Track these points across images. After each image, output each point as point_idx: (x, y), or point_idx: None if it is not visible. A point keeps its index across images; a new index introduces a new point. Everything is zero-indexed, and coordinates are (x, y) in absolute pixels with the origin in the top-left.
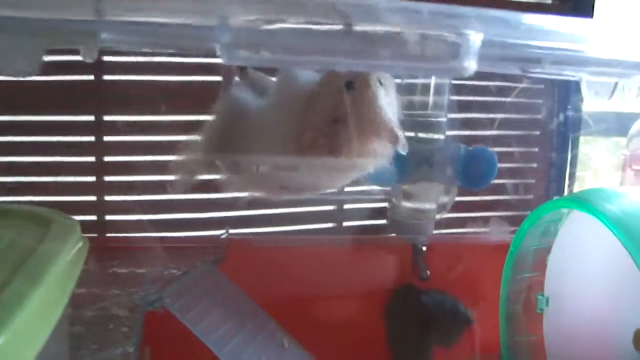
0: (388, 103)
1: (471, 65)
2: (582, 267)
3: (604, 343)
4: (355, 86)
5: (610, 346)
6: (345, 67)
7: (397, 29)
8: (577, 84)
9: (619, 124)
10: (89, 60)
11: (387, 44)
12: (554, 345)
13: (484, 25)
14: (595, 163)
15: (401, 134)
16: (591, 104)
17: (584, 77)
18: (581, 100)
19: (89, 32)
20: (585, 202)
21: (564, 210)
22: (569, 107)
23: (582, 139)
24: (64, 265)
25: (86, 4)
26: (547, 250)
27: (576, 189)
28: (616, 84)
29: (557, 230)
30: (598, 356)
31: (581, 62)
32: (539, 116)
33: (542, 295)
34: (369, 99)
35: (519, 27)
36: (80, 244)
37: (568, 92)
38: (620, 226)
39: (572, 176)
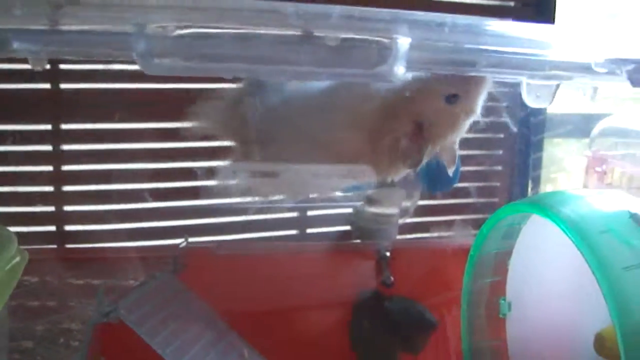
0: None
1: (399, 70)
2: (543, 271)
3: (566, 347)
4: (458, 101)
5: (572, 350)
6: (266, 74)
7: (320, 34)
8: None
9: (585, 125)
10: (38, 69)
11: (309, 50)
12: (517, 349)
13: (412, 29)
14: (568, 164)
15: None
16: (555, 106)
17: (524, 81)
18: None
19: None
20: (542, 205)
21: (525, 214)
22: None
23: (554, 140)
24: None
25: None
26: (509, 253)
27: (548, 190)
28: (557, 87)
29: (518, 233)
30: (560, 359)
31: (519, 65)
32: (503, 119)
33: (504, 299)
34: (463, 117)
35: (451, 29)
36: (18, 257)
37: None
38: (575, 229)
39: (536, 179)
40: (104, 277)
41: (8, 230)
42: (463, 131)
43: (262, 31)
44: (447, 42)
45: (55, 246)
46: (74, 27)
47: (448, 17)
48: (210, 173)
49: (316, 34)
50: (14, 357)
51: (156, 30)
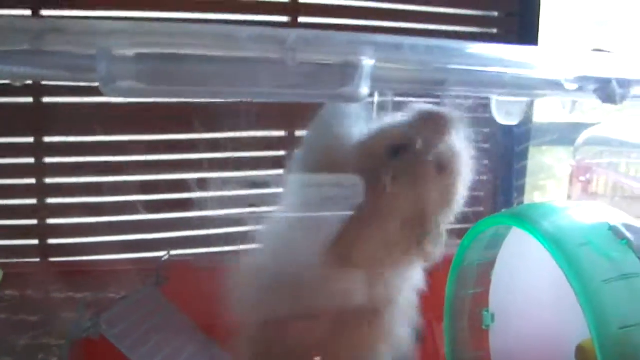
0: None
1: (364, 90)
2: (525, 282)
3: (549, 358)
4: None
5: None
6: (228, 95)
7: (283, 56)
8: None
9: (573, 134)
10: (18, 84)
11: (273, 71)
12: None
13: (377, 51)
14: (557, 172)
15: None
16: (543, 115)
17: (494, 98)
18: (530, 111)
19: None
20: (522, 218)
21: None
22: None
23: (542, 148)
24: None
25: None
26: (491, 264)
27: (537, 197)
28: (527, 104)
29: (500, 244)
30: None
31: (488, 83)
32: (489, 129)
33: (487, 310)
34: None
35: (416, 50)
36: None
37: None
38: (554, 242)
39: (520, 188)
40: (86, 290)
41: None
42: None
43: (223, 54)
44: (413, 63)
45: (38, 259)
46: (40, 50)
47: (413, 39)
48: (194, 185)
49: (279, 56)
50: None
51: (117, 54)
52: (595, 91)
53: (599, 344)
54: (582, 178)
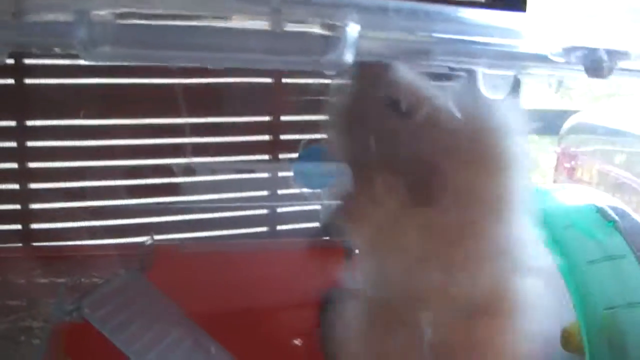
0: None
1: (348, 58)
2: None
3: (535, 342)
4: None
5: (540, 345)
6: (211, 62)
7: (265, 23)
8: (515, 83)
9: (559, 122)
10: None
11: (256, 37)
12: None
13: (362, 16)
14: (543, 162)
15: None
16: (528, 102)
17: (479, 70)
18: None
19: None
20: None
21: None
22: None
23: (529, 137)
24: None
25: None
26: None
27: None
28: (515, 77)
29: None
30: (529, 356)
31: (474, 54)
32: None
33: None
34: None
35: (402, 15)
36: None
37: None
38: (540, 225)
39: None
40: (70, 275)
41: None
42: None
43: (207, 18)
44: (400, 30)
45: (20, 244)
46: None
47: (398, 3)
48: (178, 171)
49: (263, 21)
50: None
51: (97, 17)
52: (584, 62)
53: (584, 324)
54: (566, 165)
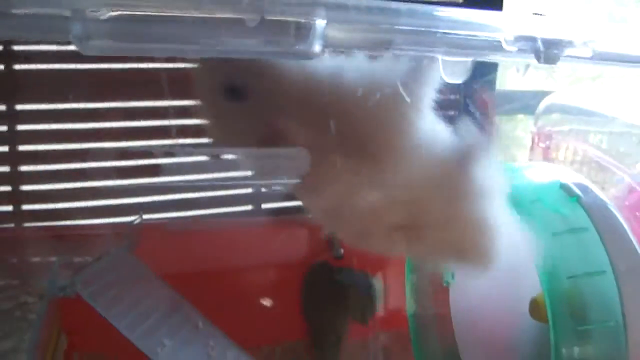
0: None
1: (316, 48)
2: None
3: (505, 313)
4: None
5: (510, 315)
6: (193, 53)
7: (239, 15)
8: (491, 65)
9: (539, 102)
10: None
11: (234, 30)
12: (460, 316)
13: (330, 11)
14: (527, 141)
15: None
16: (508, 83)
17: (440, 57)
18: (494, 79)
19: None
20: None
21: None
22: (476, 87)
23: (518, 117)
24: None
25: None
26: None
27: None
28: (471, 63)
29: None
30: (500, 325)
31: (432, 43)
32: (457, 96)
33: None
34: None
35: (366, 11)
36: None
37: (482, 73)
38: (509, 200)
39: None
40: (60, 254)
41: None
42: None
43: (188, 14)
44: (361, 23)
45: (12, 225)
46: (13, 12)
47: (360, 1)
48: (165, 151)
49: (239, 16)
50: None
51: (91, 14)
52: (535, 51)
53: (548, 292)
54: (541, 144)
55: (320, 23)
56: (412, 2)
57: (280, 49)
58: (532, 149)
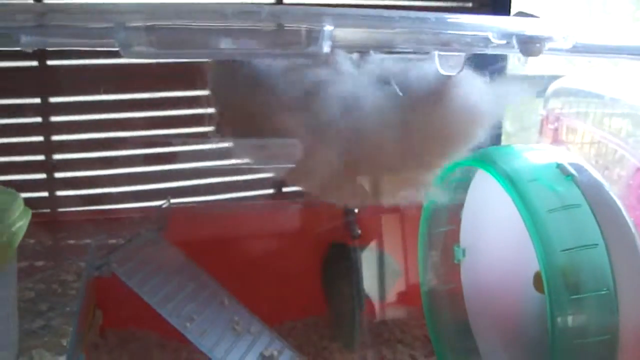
0: None
1: (325, 49)
2: (491, 220)
3: (512, 286)
4: None
5: (516, 289)
6: (221, 56)
7: (259, 25)
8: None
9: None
10: (29, 50)
11: (255, 36)
12: (470, 292)
13: (337, 19)
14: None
15: None
16: (519, 68)
17: (436, 53)
18: (504, 65)
19: (10, 37)
20: (482, 159)
21: (474, 168)
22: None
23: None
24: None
25: (8, 13)
26: (460, 206)
27: None
28: (465, 56)
29: (466, 188)
30: (508, 298)
31: (429, 41)
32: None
33: (459, 246)
34: None
35: (367, 18)
36: (22, 207)
37: (491, 60)
38: (507, 179)
39: (496, 137)
40: (93, 237)
41: (13, 191)
42: None
43: (214, 25)
44: (365, 27)
45: (48, 210)
46: (70, 23)
47: (364, 11)
48: (191, 139)
49: (259, 25)
50: (20, 306)
51: (133, 25)
52: (519, 44)
53: (543, 264)
54: (550, 126)
55: (328, 29)
56: (425, 9)
57: (294, 50)
58: (541, 131)
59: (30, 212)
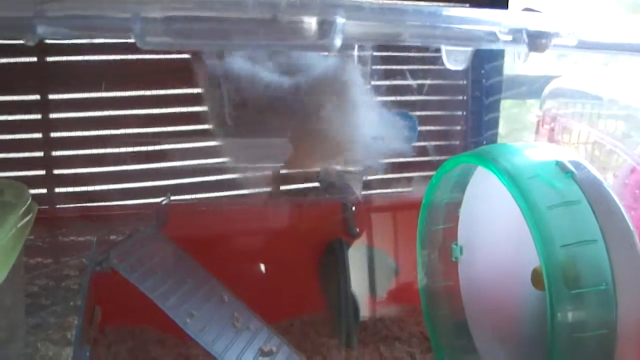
0: None
1: (337, 42)
2: (489, 217)
3: (510, 283)
4: None
5: (514, 285)
6: (233, 48)
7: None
8: (498, 52)
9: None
10: (31, 44)
11: (268, 28)
12: (468, 289)
13: (348, 11)
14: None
15: None
16: (516, 69)
17: (443, 47)
18: (501, 65)
19: (27, 27)
20: (482, 156)
21: (472, 167)
22: (484, 72)
23: (528, 102)
24: (18, 217)
25: (25, 3)
26: (459, 204)
27: None
28: (471, 52)
29: (465, 186)
30: (505, 296)
31: (436, 36)
32: (464, 82)
33: (457, 244)
34: None
35: (378, 11)
36: (29, 200)
37: (489, 59)
38: (507, 176)
39: (491, 138)
40: (93, 233)
41: (21, 184)
42: None
43: (229, 15)
44: (374, 20)
45: (46, 207)
46: (86, 13)
47: (374, 3)
48: (190, 137)
49: (274, 16)
50: (26, 301)
51: (148, 16)
52: (527, 40)
53: (544, 259)
54: (547, 127)
55: (340, 21)
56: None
57: (307, 42)
58: (537, 131)
59: (36, 205)
